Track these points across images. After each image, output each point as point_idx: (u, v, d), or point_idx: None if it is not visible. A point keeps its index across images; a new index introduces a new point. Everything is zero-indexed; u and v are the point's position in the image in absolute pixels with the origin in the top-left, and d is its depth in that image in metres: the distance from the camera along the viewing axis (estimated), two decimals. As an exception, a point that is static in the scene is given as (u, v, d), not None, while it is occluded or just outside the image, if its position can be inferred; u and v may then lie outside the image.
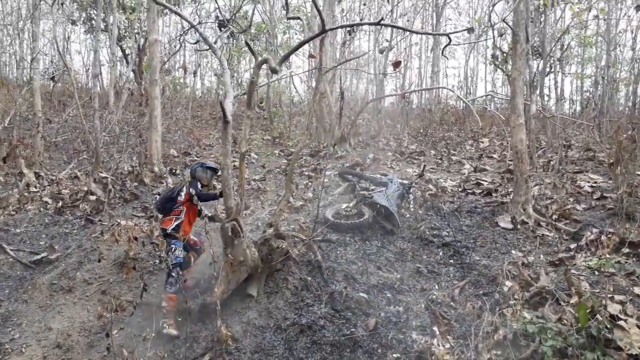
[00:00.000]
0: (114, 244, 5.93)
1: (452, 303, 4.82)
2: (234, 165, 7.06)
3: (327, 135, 10.94)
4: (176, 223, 5.20)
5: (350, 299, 4.84)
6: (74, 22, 18.07)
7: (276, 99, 16.61)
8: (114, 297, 5.06)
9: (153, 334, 4.07)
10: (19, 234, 6.72)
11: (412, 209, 7.07)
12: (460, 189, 8.11)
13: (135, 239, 5.02)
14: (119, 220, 6.37)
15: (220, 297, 4.63)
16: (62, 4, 17.06)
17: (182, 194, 5.34)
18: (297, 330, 4.43)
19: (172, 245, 5.06)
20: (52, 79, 14.19)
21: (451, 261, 5.73)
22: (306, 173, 9.12)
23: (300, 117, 14.51)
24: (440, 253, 5.94)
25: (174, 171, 8.62)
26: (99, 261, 5.56)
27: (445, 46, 5.49)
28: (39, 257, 6.10)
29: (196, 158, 9.95)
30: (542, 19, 12.53)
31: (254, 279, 4.97)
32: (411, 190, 7.41)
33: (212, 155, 10.26)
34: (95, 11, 17.04)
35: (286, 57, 5.72)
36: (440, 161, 10.58)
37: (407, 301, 4.89)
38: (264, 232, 5.34)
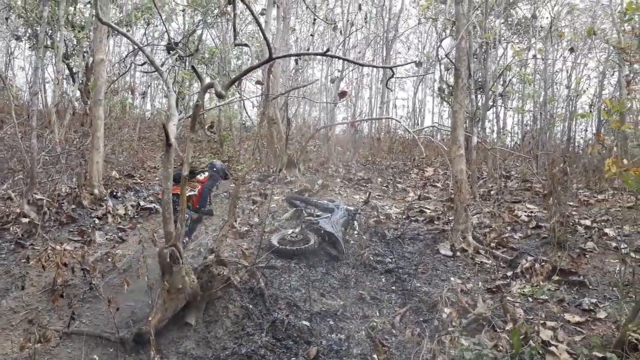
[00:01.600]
0: (45, 270, 5.61)
1: (392, 330, 4.84)
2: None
3: (277, 161, 10.94)
4: (190, 193, 6.01)
5: (292, 327, 4.78)
6: (18, 38, 17.42)
7: (227, 123, 16.52)
8: (40, 326, 4.76)
9: (81, 366, 3.85)
10: None
11: (356, 235, 7.12)
12: (404, 216, 8.27)
13: (65, 264, 4.76)
14: (52, 245, 6.06)
15: (156, 326, 4.45)
16: (6, 18, 16.48)
17: (203, 175, 6.42)
18: (236, 360, 4.32)
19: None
20: (-11, 95, 13.52)
21: (393, 288, 5.79)
22: (253, 198, 9.04)
23: (250, 141, 14.48)
24: (383, 279, 5.99)
25: (115, 193, 8.33)
26: (23, 288, 5.25)
27: (389, 78, 5.67)
28: (-40, 284, 5.68)
29: (139, 180, 9.67)
30: (484, 56, 13.19)
31: (192, 307, 4.83)
32: (357, 217, 7.48)
33: (157, 178, 10.01)
34: (40, 27, 16.51)
35: (232, 83, 5.71)
36: (386, 189, 10.77)
37: (349, 329, 4.88)
38: (205, 258, 5.22)
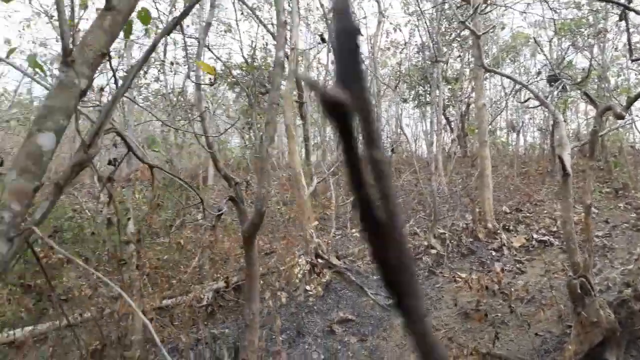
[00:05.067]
0: (457, 295, 6.36)
1: None
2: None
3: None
4: None
5: None
6: (404, 100, 20.70)
7: (612, 147, 14.87)
8: (458, 344, 5.40)
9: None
10: (376, 280, 7.90)
11: None
12: None
13: (486, 287, 5.29)
14: (459, 273, 6.83)
15: (571, 358, 4.39)
16: (395, 86, 19.99)
17: None
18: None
19: None
20: (392, 150, 16.43)
21: None
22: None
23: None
24: None
25: (507, 227, 8.71)
26: (456, 305, 6.05)
27: None
28: (392, 301, 7.00)
29: (528, 214, 9.77)
30: None
31: (612, 344, 4.52)
32: None
33: (545, 211, 9.88)
34: (422, 88, 19.22)
35: (633, 101, 5.23)
36: None
37: None
38: (620, 292, 4.84)
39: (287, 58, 9.90)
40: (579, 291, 4.57)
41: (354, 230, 10.99)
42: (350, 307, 7.08)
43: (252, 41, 13.87)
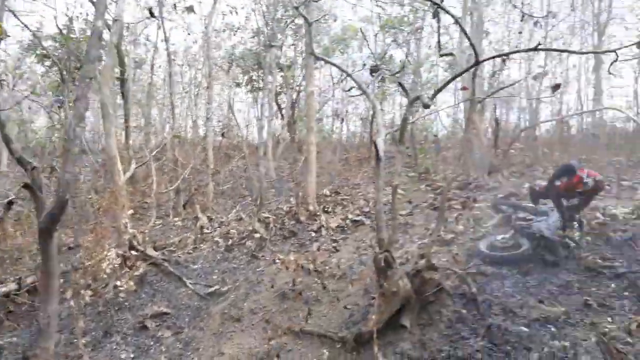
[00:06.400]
0: (276, 277, 6.46)
1: (628, 338, 4.28)
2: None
3: (478, 167, 10.62)
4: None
5: (509, 333, 4.59)
6: (238, 85, 20.48)
7: (421, 136, 16.67)
8: (275, 325, 5.50)
9: None
10: (196, 269, 7.68)
11: (577, 238, 6.48)
12: (634, 217, 7.22)
13: (302, 267, 5.46)
14: (279, 255, 6.96)
15: (375, 327, 4.74)
16: (227, 70, 19.62)
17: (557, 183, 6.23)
18: (452, 362, 4.33)
19: None
20: (222, 134, 16.12)
21: (626, 293, 5.11)
22: (455, 206, 8.93)
23: (446, 151, 14.33)
24: (613, 285, 5.33)
25: (326, 209, 9.14)
26: (273, 286, 6.10)
27: (612, 63, 5.15)
28: (212, 289, 6.88)
29: (346, 197, 10.40)
30: None
31: (407, 310, 4.99)
32: (577, 218, 6.81)
33: (360, 193, 10.63)
34: (256, 73, 19.19)
35: (438, 92, 5.76)
36: (608, 187, 9.52)
37: (574, 335, 4.48)
38: (416, 263, 5.37)
39: (109, 29, 8.99)
40: (382, 264, 4.95)
41: (176, 219, 10.54)
42: (167, 300, 6.76)
43: (69, 9, 12.39)
